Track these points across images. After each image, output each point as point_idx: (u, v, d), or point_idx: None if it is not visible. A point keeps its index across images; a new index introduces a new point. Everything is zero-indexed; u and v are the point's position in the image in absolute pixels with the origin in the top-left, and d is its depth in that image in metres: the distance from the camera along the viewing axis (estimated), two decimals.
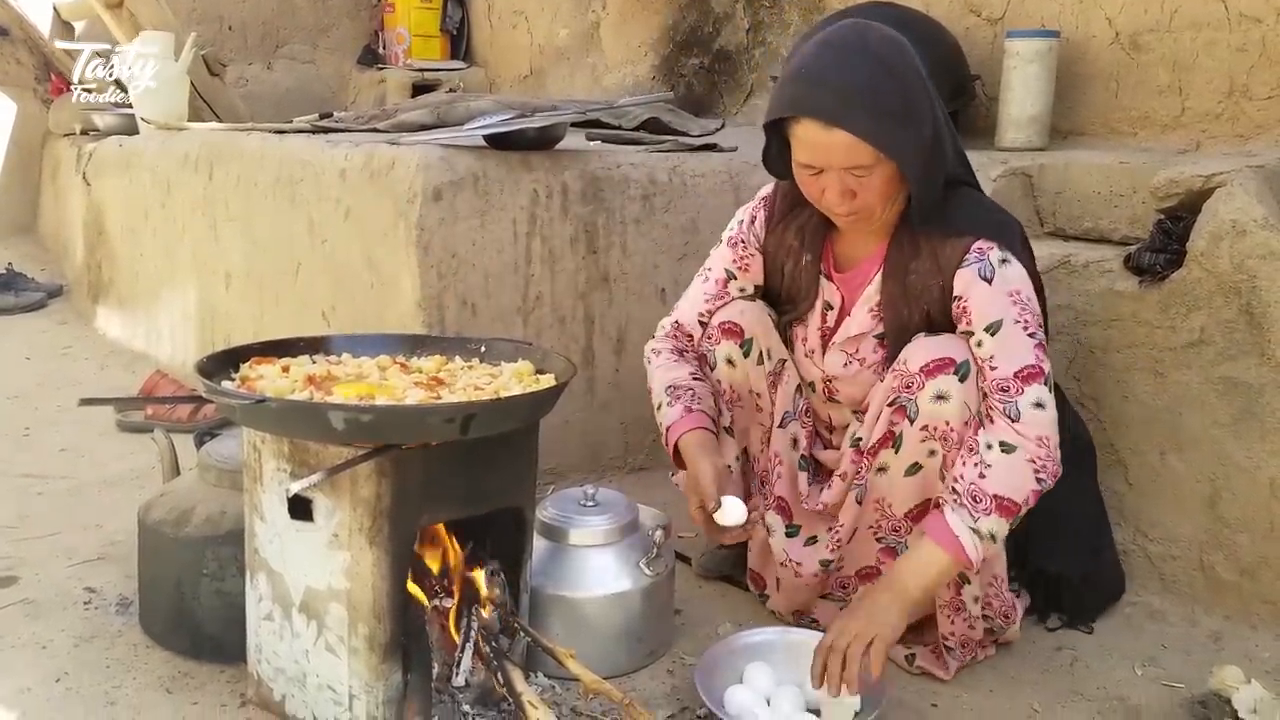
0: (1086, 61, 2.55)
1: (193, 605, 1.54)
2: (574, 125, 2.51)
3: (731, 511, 1.49)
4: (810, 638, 1.53)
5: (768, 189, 1.69)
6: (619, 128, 2.79)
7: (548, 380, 1.46)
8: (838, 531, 1.60)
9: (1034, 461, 1.40)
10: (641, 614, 1.55)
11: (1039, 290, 1.54)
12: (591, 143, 2.57)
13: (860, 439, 1.56)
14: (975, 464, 1.41)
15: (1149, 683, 1.57)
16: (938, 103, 1.46)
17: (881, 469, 1.53)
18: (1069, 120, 2.59)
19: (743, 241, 1.68)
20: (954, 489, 1.42)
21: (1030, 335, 1.45)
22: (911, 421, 1.47)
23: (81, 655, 1.56)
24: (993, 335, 1.44)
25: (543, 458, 1.57)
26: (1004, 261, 1.47)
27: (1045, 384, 1.44)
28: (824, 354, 1.63)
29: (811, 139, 1.40)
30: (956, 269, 1.48)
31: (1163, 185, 1.79)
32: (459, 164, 2.06)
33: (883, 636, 1.36)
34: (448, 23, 5.07)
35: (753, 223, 1.68)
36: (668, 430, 1.60)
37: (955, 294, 1.48)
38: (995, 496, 1.39)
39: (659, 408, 1.64)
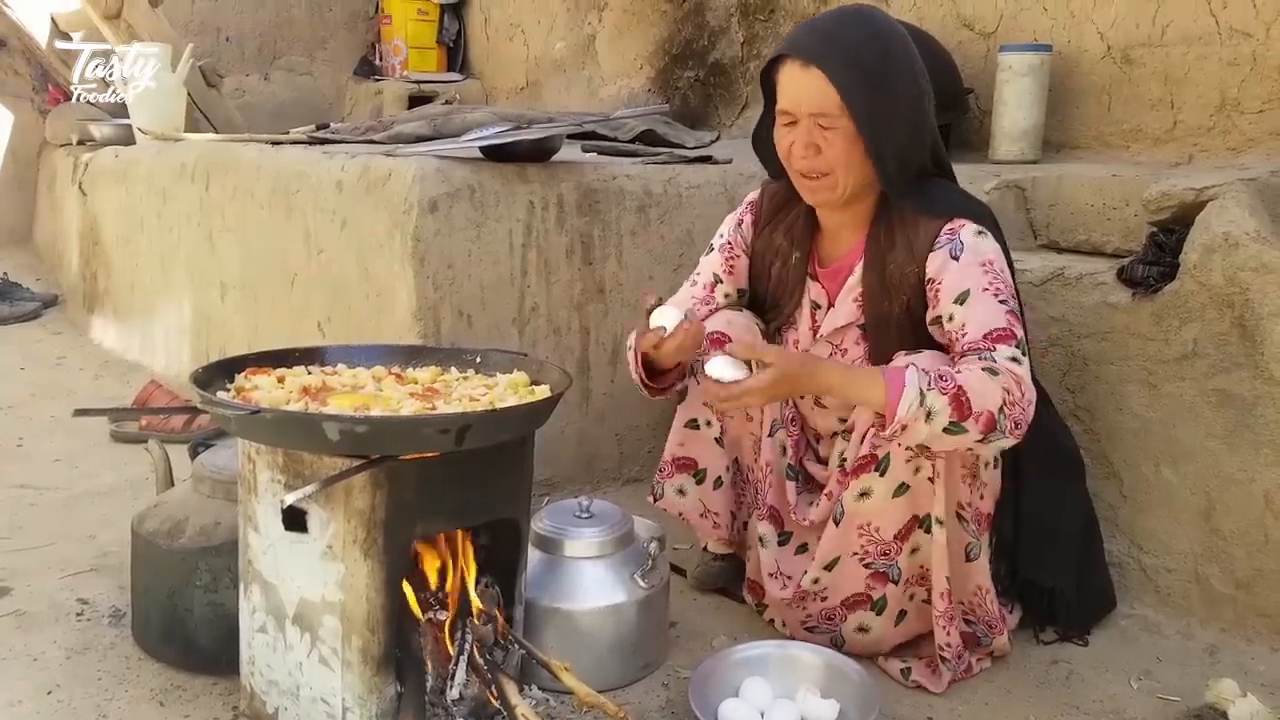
0: (1079, 75, 2.56)
1: (186, 617, 1.53)
2: (570, 137, 2.52)
3: (665, 315, 1.49)
4: (806, 653, 1.53)
5: (754, 194, 1.73)
6: (615, 140, 2.80)
7: (543, 391, 1.46)
8: (815, 550, 1.60)
9: (1007, 392, 1.34)
10: (636, 626, 1.55)
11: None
12: (587, 155, 2.57)
13: (845, 460, 1.55)
14: (953, 369, 1.38)
15: (1145, 696, 1.57)
16: (925, 96, 1.49)
17: (864, 494, 1.51)
18: (1061, 133, 2.60)
19: (730, 244, 1.72)
20: (925, 369, 1.37)
21: (1001, 301, 1.43)
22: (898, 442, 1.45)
23: (73, 667, 1.55)
24: (961, 304, 1.43)
25: (538, 469, 1.57)
26: (979, 234, 1.48)
27: (1018, 347, 1.40)
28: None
29: (789, 80, 1.47)
30: (929, 252, 1.49)
31: (1155, 198, 1.80)
32: (455, 175, 2.06)
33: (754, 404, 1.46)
34: (444, 35, 5.09)
35: (740, 225, 1.72)
36: (633, 339, 1.59)
37: (928, 277, 1.49)
38: (959, 388, 1.33)
39: (629, 346, 1.63)
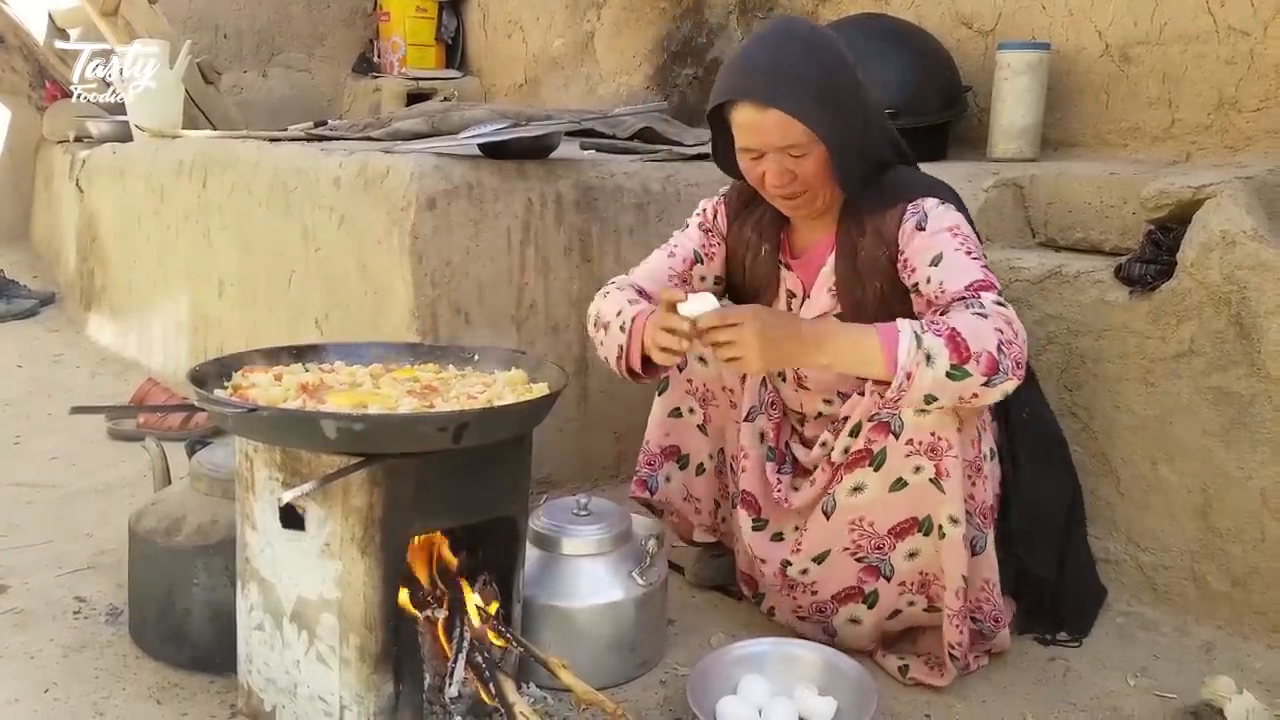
0: (1077, 73, 2.56)
1: (183, 615, 1.53)
2: (568, 135, 2.51)
3: (699, 301, 1.39)
4: (804, 650, 1.53)
5: (726, 189, 1.74)
6: (613, 137, 2.80)
7: (541, 389, 1.46)
8: (801, 539, 1.59)
9: (1000, 331, 1.32)
10: (634, 624, 1.55)
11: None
12: (586, 152, 2.57)
13: (834, 451, 1.55)
14: (942, 317, 1.36)
15: (1141, 693, 1.57)
16: (865, 89, 1.51)
17: (858, 488, 1.50)
18: (1060, 131, 2.60)
19: (709, 230, 1.73)
20: (913, 319, 1.37)
21: (975, 259, 1.44)
22: (897, 436, 1.44)
23: (70, 665, 1.55)
24: (936, 266, 1.44)
25: (536, 467, 1.57)
26: (941, 205, 1.50)
27: (1000, 295, 1.40)
28: None
29: (749, 122, 1.47)
30: (896, 232, 1.51)
31: (1153, 196, 1.80)
32: (453, 173, 2.06)
33: (749, 363, 1.34)
34: (443, 32, 5.08)
35: (715, 216, 1.73)
36: (633, 320, 1.53)
37: (900, 253, 1.50)
38: (953, 329, 1.30)
39: (618, 314, 1.56)
